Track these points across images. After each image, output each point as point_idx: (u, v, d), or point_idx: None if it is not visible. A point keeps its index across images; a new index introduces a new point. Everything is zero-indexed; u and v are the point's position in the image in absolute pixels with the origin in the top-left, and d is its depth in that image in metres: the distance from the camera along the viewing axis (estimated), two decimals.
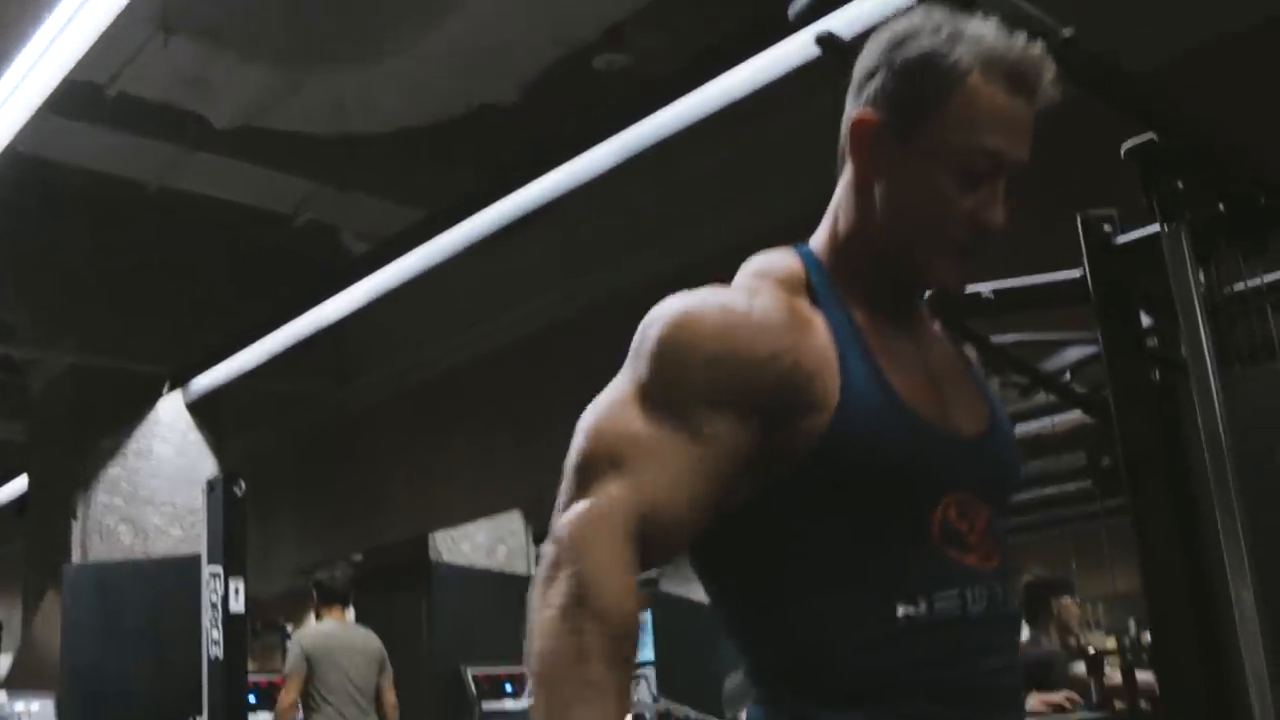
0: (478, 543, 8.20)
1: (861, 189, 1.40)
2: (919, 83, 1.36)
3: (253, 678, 6.54)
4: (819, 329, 1.33)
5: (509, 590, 8.19)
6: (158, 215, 6.73)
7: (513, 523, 8.46)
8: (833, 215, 1.44)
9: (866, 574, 1.28)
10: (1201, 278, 2.70)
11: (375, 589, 8.35)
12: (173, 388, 7.86)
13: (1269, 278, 2.69)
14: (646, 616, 11.75)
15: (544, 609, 1.17)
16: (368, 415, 8.39)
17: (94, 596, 6.45)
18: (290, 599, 10.56)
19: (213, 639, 4.59)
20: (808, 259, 1.42)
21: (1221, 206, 2.54)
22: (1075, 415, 4.67)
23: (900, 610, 1.27)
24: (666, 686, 9.41)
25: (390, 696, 6.43)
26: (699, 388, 1.27)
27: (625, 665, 1.16)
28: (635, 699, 7.76)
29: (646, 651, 10.75)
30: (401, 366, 7.71)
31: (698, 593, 5.47)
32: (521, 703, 7.44)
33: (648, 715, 8.71)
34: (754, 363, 1.28)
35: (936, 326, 1.51)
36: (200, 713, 4.66)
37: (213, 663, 4.59)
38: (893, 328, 1.40)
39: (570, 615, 1.15)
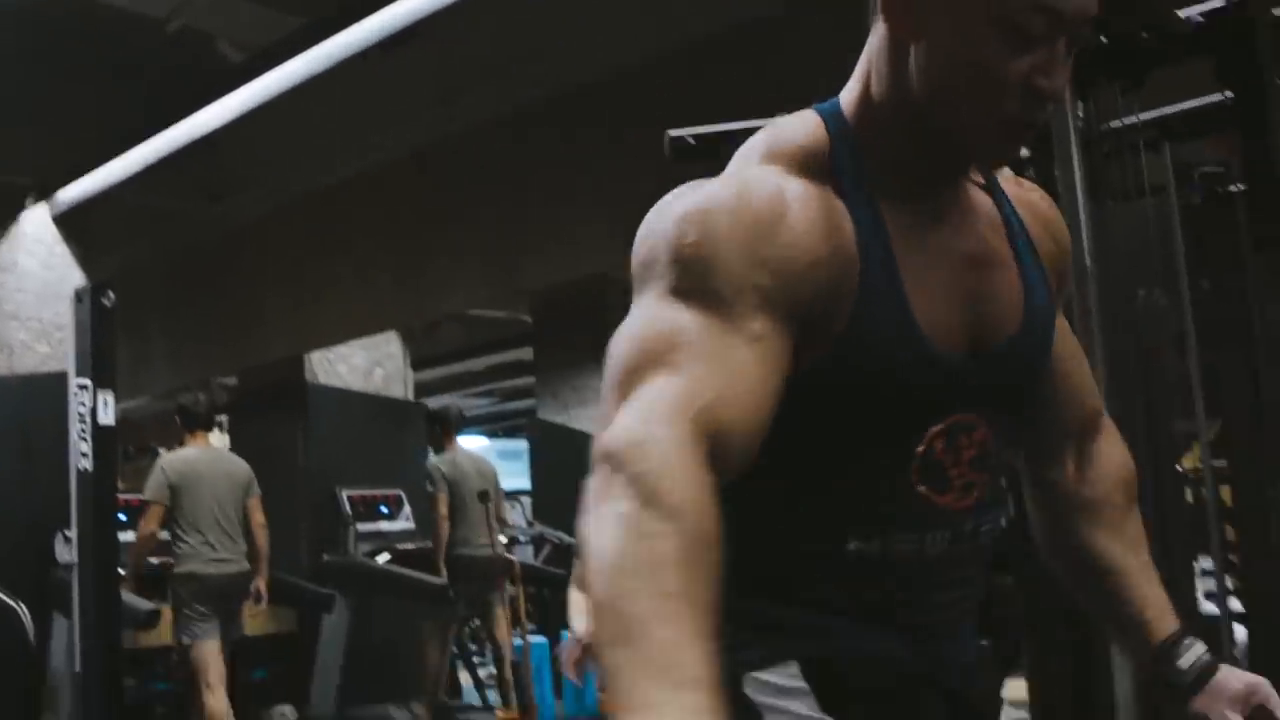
0: (355, 365, 8.15)
1: (896, 50, 1.22)
2: None
3: (123, 496, 6.51)
4: (846, 233, 1.20)
5: (386, 413, 8.20)
6: (22, 18, 6.41)
7: (390, 345, 8.41)
8: (863, 74, 1.27)
9: (833, 499, 1.24)
10: (1080, 112, 2.74)
11: (251, 411, 8.29)
12: (38, 199, 7.59)
13: (1145, 116, 2.74)
14: (523, 444, 11.92)
15: (600, 524, 0.99)
16: (243, 232, 8.21)
17: None
18: (162, 422, 10.44)
19: (81, 451, 4.52)
20: (835, 130, 1.25)
21: (1103, 40, 2.56)
22: None
23: (852, 544, 1.24)
24: (541, 512, 9.57)
25: (258, 517, 6.40)
26: (742, 284, 1.13)
27: (708, 573, 0.97)
28: (510, 523, 7.87)
29: (522, 480, 10.90)
30: (278, 183, 7.52)
31: (575, 420, 5.59)
32: (397, 524, 7.50)
33: (522, 539, 8.86)
34: (796, 269, 1.15)
35: (982, 199, 1.34)
36: (69, 525, 4.61)
37: (81, 474, 4.53)
38: (927, 219, 1.27)
39: (636, 521, 0.97)
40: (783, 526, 1.25)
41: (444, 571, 7.11)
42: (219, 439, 6.91)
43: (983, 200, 1.33)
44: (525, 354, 11.37)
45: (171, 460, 6.21)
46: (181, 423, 6.41)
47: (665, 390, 1.05)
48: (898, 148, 1.24)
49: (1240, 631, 3.06)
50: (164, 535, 5.94)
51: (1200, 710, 1.38)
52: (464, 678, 9.69)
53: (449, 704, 7.68)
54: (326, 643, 7.35)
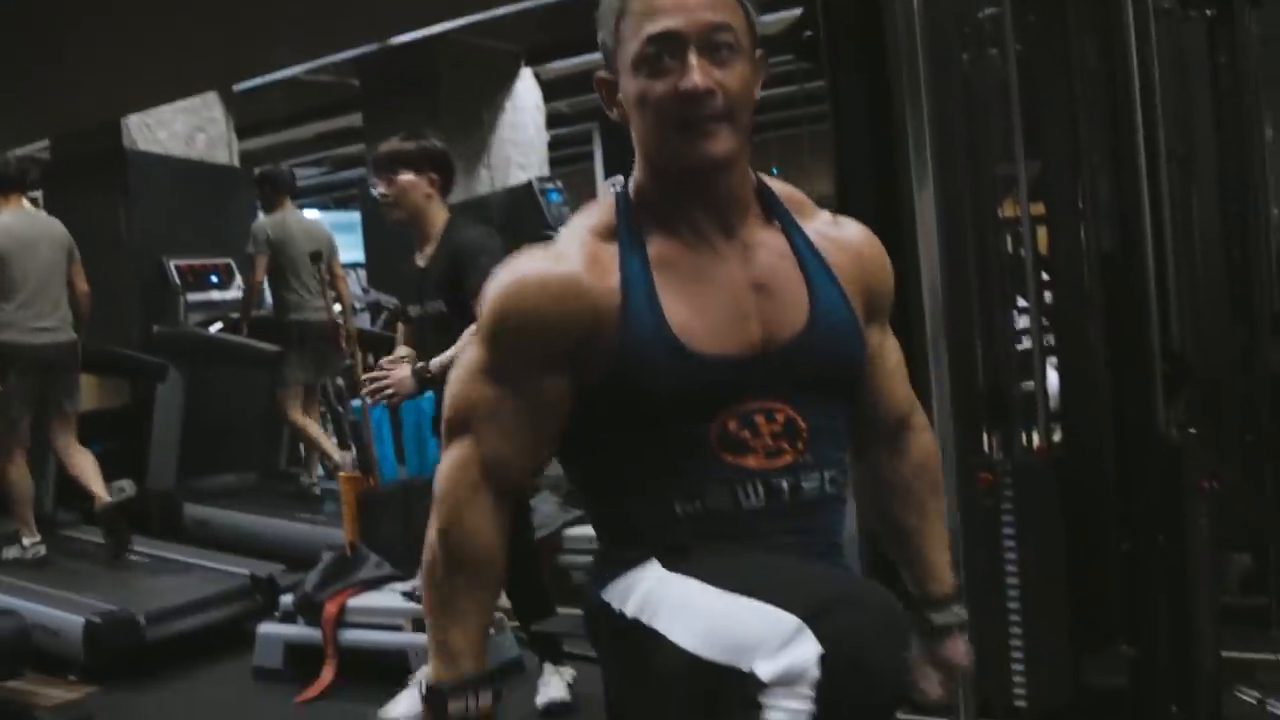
0: (175, 131, 7.82)
1: (626, 131, 1.64)
2: (602, 31, 1.62)
3: None
4: (611, 275, 1.60)
5: (211, 180, 7.94)
6: None
7: (212, 110, 8.08)
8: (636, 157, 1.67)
9: (650, 481, 1.62)
10: None
11: (67, 181, 7.93)
12: None
13: None
14: (357, 216, 11.69)
15: (429, 548, 1.68)
16: None
17: None
18: None
19: None
20: (620, 202, 1.66)
21: None
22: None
23: (678, 508, 1.60)
24: (375, 279, 9.48)
25: (81, 284, 6.22)
26: (517, 354, 1.61)
27: (485, 592, 1.66)
28: (349, 291, 7.78)
29: (356, 252, 10.73)
30: None
31: None
32: (229, 293, 7.35)
33: (357, 306, 8.79)
34: (555, 328, 1.59)
35: (773, 235, 1.68)
36: None
37: None
38: (696, 251, 1.63)
39: (443, 561, 1.65)
40: (624, 505, 1.66)
41: (247, 331, 7.03)
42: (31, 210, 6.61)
43: (773, 236, 1.68)
44: (355, 120, 11.05)
45: None
46: None
47: (465, 452, 1.63)
48: (659, 203, 1.64)
49: (1052, 375, 3.23)
50: None
51: (924, 654, 1.79)
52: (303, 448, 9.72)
53: (290, 471, 7.72)
54: (162, 414, 7.27)
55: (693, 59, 1.53)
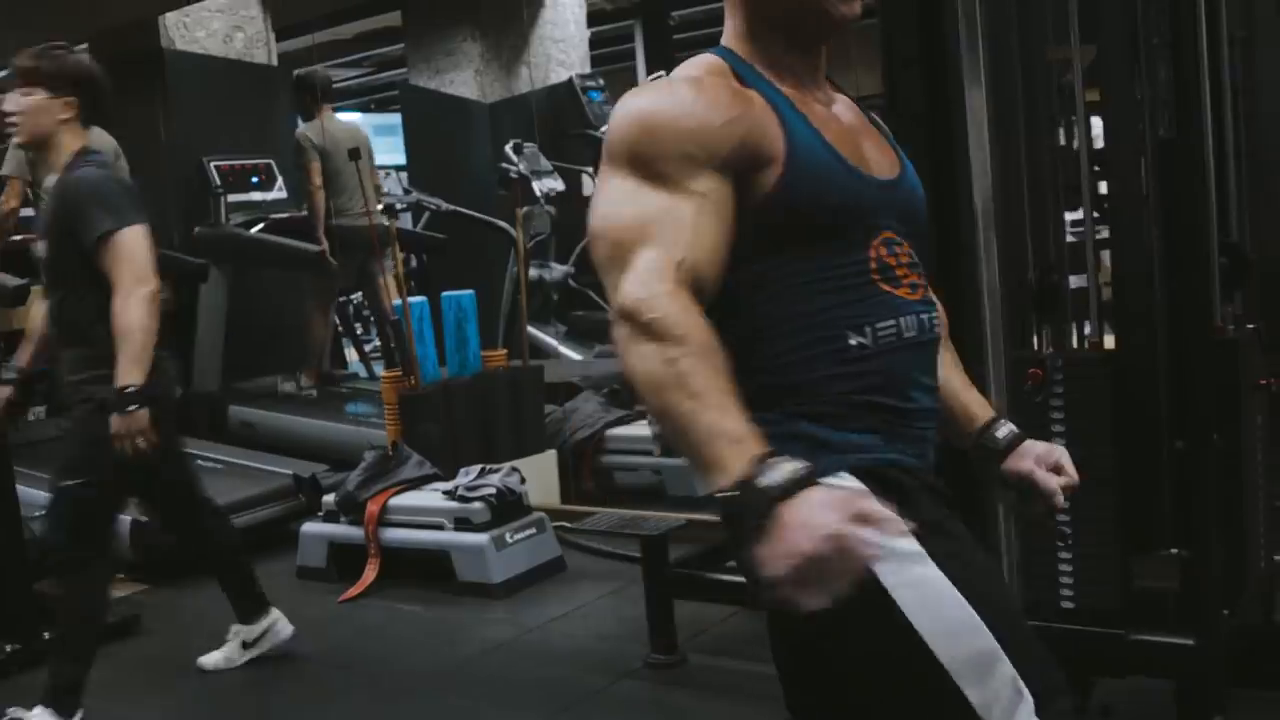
0: (213, 30, 7.73)
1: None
2: None
3: None
4: (756, 100, 1.57)
5: (250, 80, 7.86)
6: None
7: (250, 8, 7.98)
8: (730, 16, 1.68)
9: (824, 311, 1.55)
10: None
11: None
12: None
13: None
14: (395, 118, 11.60)
15: (636, 363, 1.40)
16: None
17: None
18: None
19: None
20: (726, 55, 1.64)
21: None
22: None
23: (851, 339, 1.55)
24: (418, 180, 9.41)
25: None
26: (678, 158, 1.50)
27: (720, 369, 1.39)
28: (385, 191, 7.73)
29: (400, 156, 10.65)
30: None
31: (449, 85, 5.38)
32: (270, 194, 7.30)
33: (399, 207, 8.73)
34: (715, 129, 1.51)
35: (843, 97, 1.74)
36: None
37: None
38: (810, 96, 1.64)
39: (658, 353, 1.38)
40: (794, 340, 1.55)
41: (324, 241, 7.00)
42: None
43: (840, 98, 1.74)
44: (395, 19, 10.89)
45: None
46: None
47: (651, 259, 1.44)
48: (772, 52, 1.64)
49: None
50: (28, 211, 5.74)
51: (1010, 467, 1.78)
52: (350, 353, 9.75)
53: (334, 374, 7.73)
54: (205, 317, 7.28)
55: None
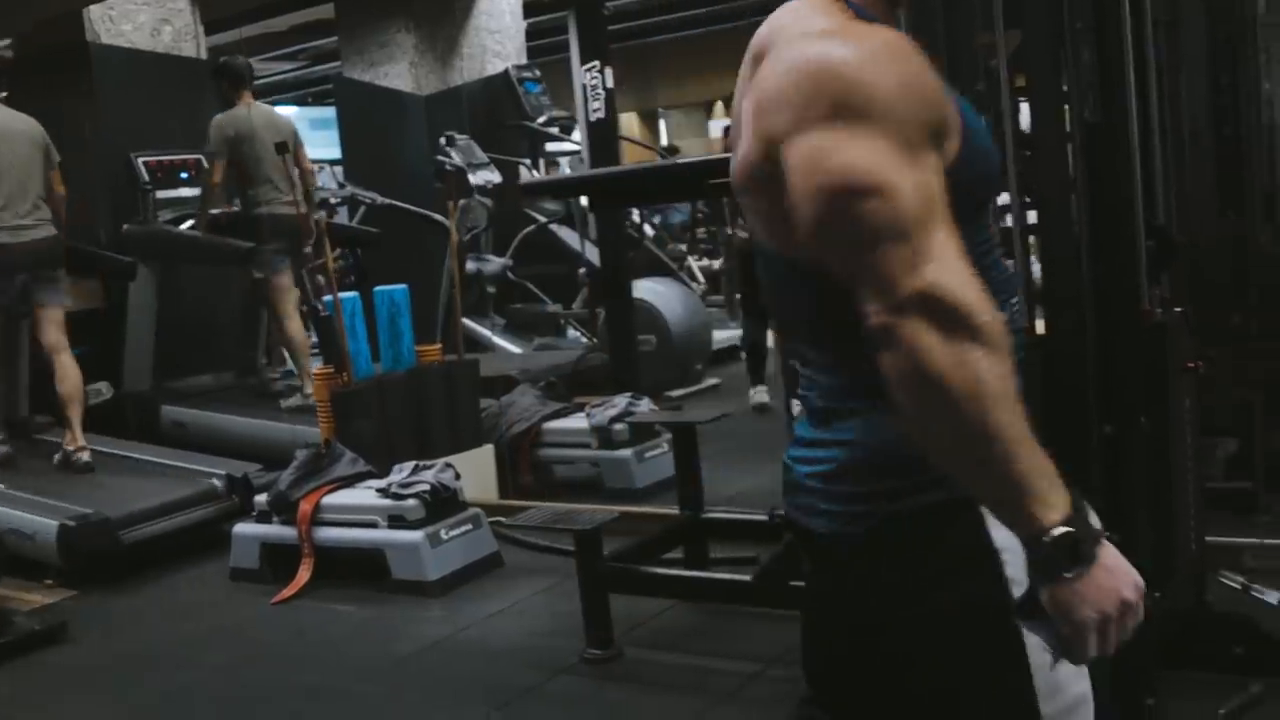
0: (139, 23, 7.59)
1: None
2: None
3: None
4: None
5: (178, 74, 7.72)
6: None
7: (177, 1, 7.84)
8: None
9: (988, 283, 1.33)
10: None
11: (31, 79, 7.71)
12: None
13: None
14: (331, 111, 11.48)
15: (958, 365, 1.22)
16: None
17: None
18: None
19: None
20: (852, 6, 1.42)
21: None
22: None
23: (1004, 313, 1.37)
24: (353, 175, 9.32)
25: (59, 187, 6.12)
26: (922, 125, 1.31)
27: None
28: (319, 185, 7.62)
29: (333, 148, 10.54)
30: None
31: (384, 78, 5.32)
32: (196, 190, 7.17)
33: (333, 201, 8.65)
34: (936, 91, 1.34)
35: None
36: None
37: None
38: None
39: (992, 366, 1.22)
40: None
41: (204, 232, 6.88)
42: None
43: None
44: (328, 11, 10.78)
45: None
46: None
47: (950, 246, 1.26)
48: (889, 14, 1.47)
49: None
50: None
51: None
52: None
53: (263, 367, 7.63)
54: (135, 315, 7.15)
55: None
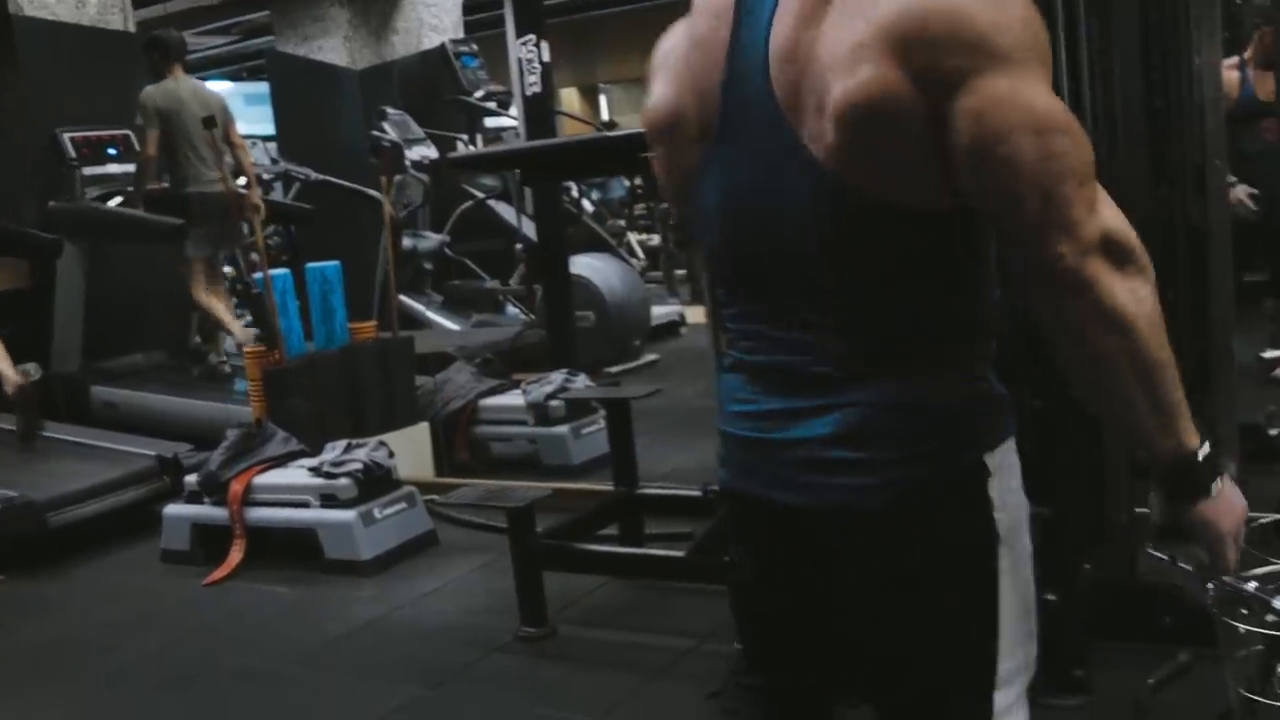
0: None
1: None
2: None
3: None
4: None
5: (104, 48, 7.57)
6: None
7: None
8: None
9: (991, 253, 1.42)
10: None
11: None
12: None
13: None
14: (265, 86, 11.32)
15: (1137, 302, 1.29)
16: None
17: None
18: None
19: None
20: None
21: None
22: None
23: (997, 293, 1.45)
24: (288, 150, 9.19)
25: None
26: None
27: None
28: (253, 161, 7.51)
29: (267, 124, 10.39)
30: None
31: (317, 51, 5.23)
32: (129, 166, 7.04)
33: (266, 177, 8.52)
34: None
35: None
36: None
37: None
38: None
39: (1155, 301, 1.31)
40: (991, 311, 1.44)
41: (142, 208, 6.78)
42: None
43: None
44: None
45: None
46: None
47: (1104, 193, 1.31)
48: None
49: None
50: None
51: None
52: None
53: (200, 349, 7.52)
54: (63, 294, 7.02)
55: None
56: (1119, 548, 3.05)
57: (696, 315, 9.18)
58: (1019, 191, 1.27)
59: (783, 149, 1.36)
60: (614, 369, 7.63)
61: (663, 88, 1.53)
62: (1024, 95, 1.26)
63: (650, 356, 8.30)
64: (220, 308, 6.90)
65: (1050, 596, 2.70)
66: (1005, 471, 1.42)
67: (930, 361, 1.39)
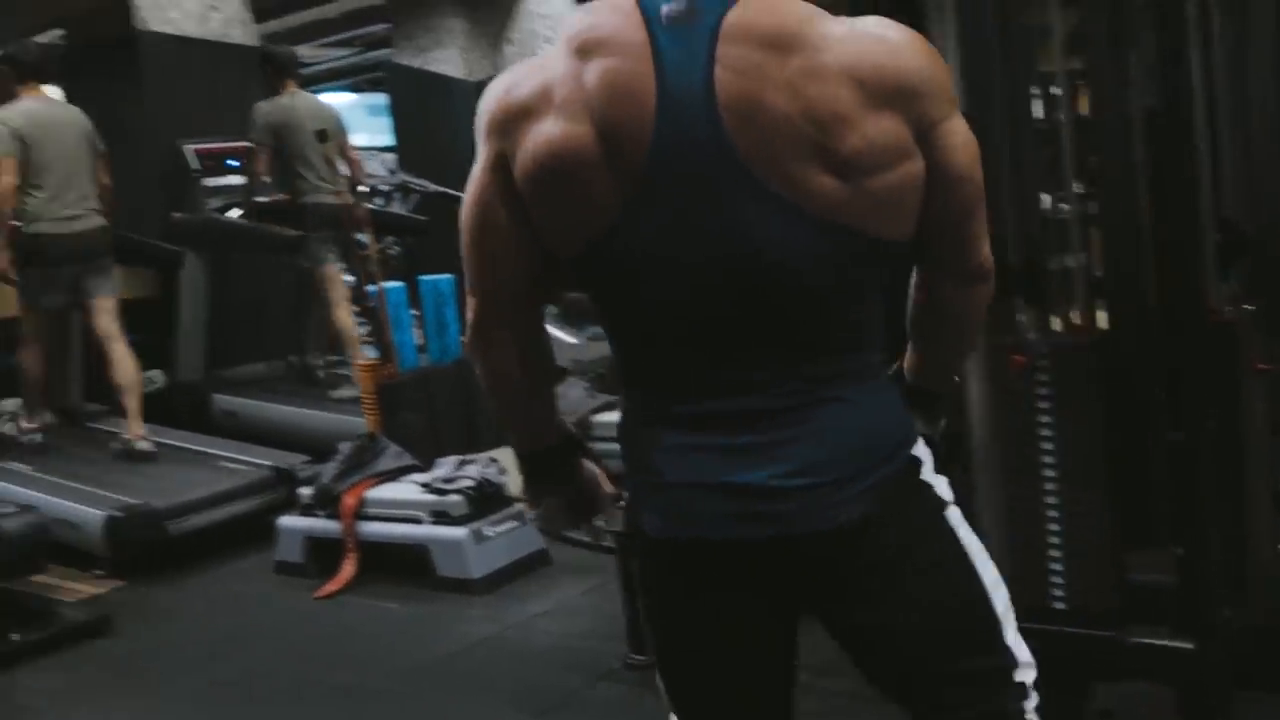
0: (187, 10, 7.54)
1: None
2: None
3: None
4: None
5: (227, 60, 7.68)
6: None
7: None
8: None
9: None
10: None
11: (81, 68, 7.71)
12: None
13: None
14: (381, 98, 11.43)
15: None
16: None
17: None
18: None
19: None
20: None
21: None
22: None
23: None
24: (406, 162, 9.25)
25: (104, 178, 6.10)
26: None
27: None
28: (368, 172, 7.56)
29: (388, 135, 10.48)
30: None
31: (434, 63, 5.25)
32: (244, 178, 7.12)
33: (384, 189, 8.59)
34: None
35: None
36: None
37: None
38: None
39: None
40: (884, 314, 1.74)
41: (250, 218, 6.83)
42: (55, 92, 6.42)
43: None
44: None
45: (11, 114, 5.81)
46: (15, 74, 5.97)
47: None
48: None
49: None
50: None
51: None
52: None
53: (319, 361, 7.57)
54: (186, 304, 7.13)
55: None
56: (1263, 590, 2.88)
57: None
58: (974, 208, 1.55)
59: (749, 197, 1.42)
60: None
61: (558, 125, 1.45)
62: (969, 132, 1.53)
63: None
64: (351, 326, 6.86)
65: (1188, 645, 2.55)
66: (925, 456, 1.63)
67: (873, 377, 1.59)
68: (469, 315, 1.65)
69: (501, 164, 1.52)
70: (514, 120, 1.49)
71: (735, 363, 1.50)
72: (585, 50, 1.45)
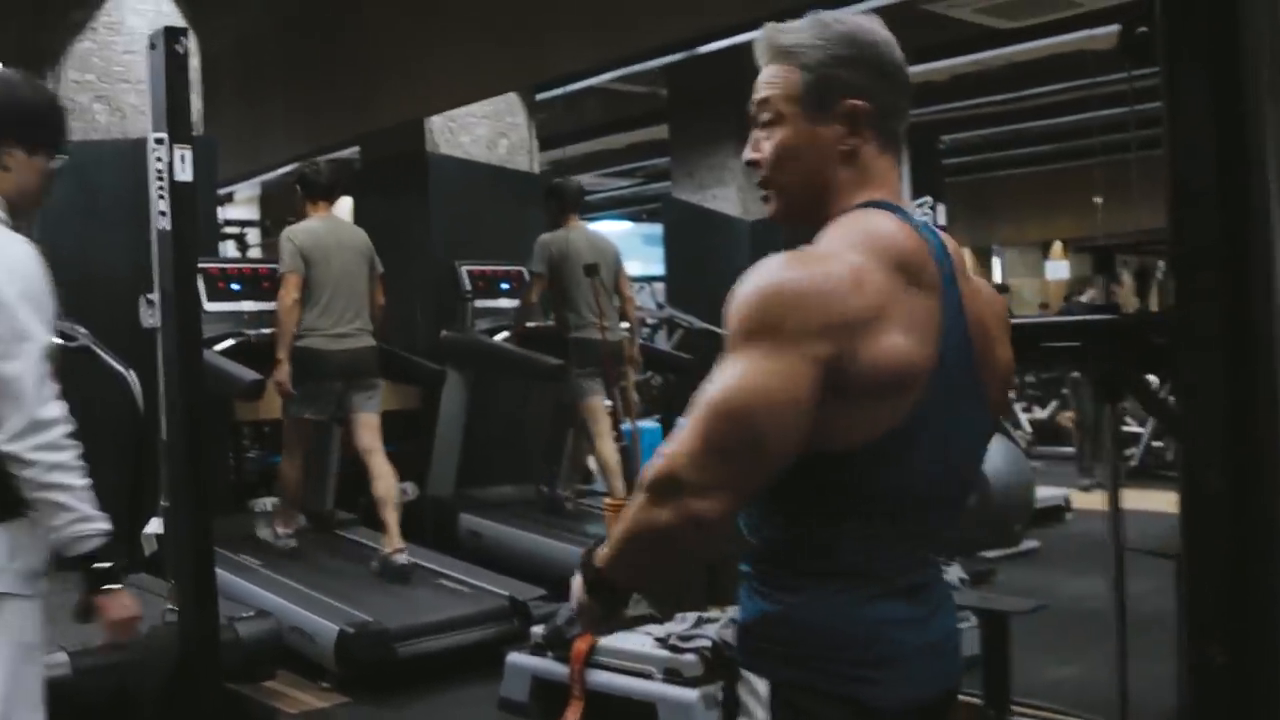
0: (478, 135, 7.76)
1: None
2: None
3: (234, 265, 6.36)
4: None
5: (509, 185, 7.83)
6: None
7: (515, 115, 7.98)
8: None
9: None
10: None
11: (373, 184, 8.02)
12: None
13: None
14: (658, 228, 11.52)
15: None
16: None
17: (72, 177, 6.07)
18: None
19: (160, 210, 4.22)
20: None
21: None
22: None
23: None
24: (675, 296, 9.21)
25: (379, 297, 6.23)
26: None
27: None
28: (638, 305, 7.52)
29: (657, 266, 10.51)
30: None
31: (712, 200, 5.19)
32: (514, 301, 7.18)
33: (650, 321, 8.54)
34: None
35: None
36: (151, 289, 4.37)
37: (161, 235, 4.24)
38: None
39: None
40: None
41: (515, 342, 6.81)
42: (343, 211, 6.65)
43: None
44: (663, 133, 10.86)
45: (297, 231, 6.02)
46: (302, 193, 6.21)
47: None
48: None
49: None
50: None
51: None
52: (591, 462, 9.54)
53: (567, 492, 7.49)
54: (444, 420, 7.19)
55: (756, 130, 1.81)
56: None
57: (1085, 500, 8.50)
58: None
59: (976, 405, 1.72)
60: (990, 553, 7.06)
61: (908, 339, 1.59)
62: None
63: (1031, 543, 7.66)
64: (604, 450, 6.75)
65: None
66: None
67: None
68: (703, 509, 1.58)
69: (831, 364, 1.55)
70: (853, 327, 1.56)
71: (934, 540, 1.76)
72: (907, 272, 1.62)
